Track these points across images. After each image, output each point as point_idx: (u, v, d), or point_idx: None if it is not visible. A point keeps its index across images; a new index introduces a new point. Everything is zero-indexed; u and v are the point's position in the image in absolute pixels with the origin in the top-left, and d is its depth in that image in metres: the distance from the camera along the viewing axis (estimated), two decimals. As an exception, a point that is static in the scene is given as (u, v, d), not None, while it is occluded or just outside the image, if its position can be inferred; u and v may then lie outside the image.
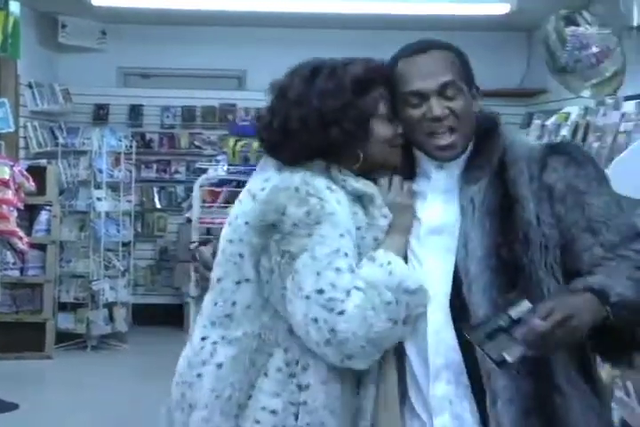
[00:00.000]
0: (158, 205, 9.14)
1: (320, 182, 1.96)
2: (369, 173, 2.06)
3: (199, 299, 6.52)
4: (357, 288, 1.90)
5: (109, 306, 8.04)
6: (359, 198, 2.02)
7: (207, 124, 9.12)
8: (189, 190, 8.87)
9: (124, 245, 8.32)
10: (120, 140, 8.25)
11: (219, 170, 5.41)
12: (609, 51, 6.65)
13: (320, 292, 1.88)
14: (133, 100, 9.10)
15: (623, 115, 4.83)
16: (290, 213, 1.92)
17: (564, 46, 6.75)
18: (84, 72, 8.80)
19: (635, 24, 6.49)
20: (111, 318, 8.05)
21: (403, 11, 7.20)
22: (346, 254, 1.91)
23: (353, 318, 1.87)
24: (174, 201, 9.15)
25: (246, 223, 1.97)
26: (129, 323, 8.23)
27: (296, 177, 1.97)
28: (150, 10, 7.87)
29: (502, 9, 6.98)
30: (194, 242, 4.71)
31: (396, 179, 2.06)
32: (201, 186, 5.65)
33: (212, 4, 7.53)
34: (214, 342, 1.99)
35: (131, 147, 8.43)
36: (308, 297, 1.88)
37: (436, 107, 1.96)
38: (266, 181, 2.00)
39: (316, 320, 1.88)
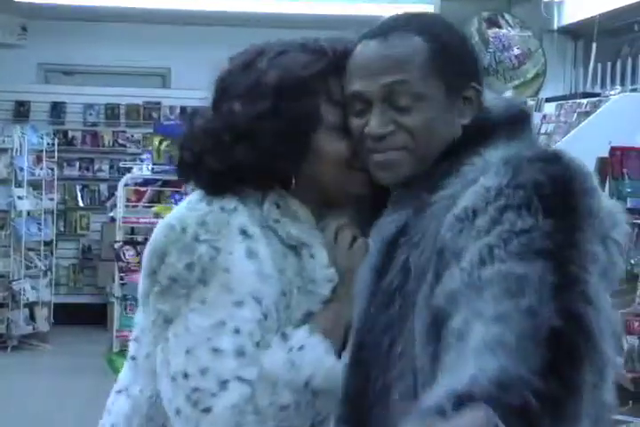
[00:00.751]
0: (81, 204, 9.04)
1: (233, 222, 1.42)
2: (335, 206, 1.52)
3: (123, 299, 6.47)
4: (241, 380, 1.35)
5: (30, 306, 7.92)
6: (295, 250, 1.46)
7: (131, 123, 9.04)
8: (113, 189, 8.76)
9: (46, 244, 8.21)
10: (42, 138, 8.13)
11: (143, 169, 5.36)
12: (530, 53, 6.78)
13: (185, 376, 1.37)
14: (55, 98, 8.97)
15: (544, 116, 4.92)
16: (168, 262, 1.42)
17: (487, 48, 6.86)
18: (3, 68, 8.65)
19: (555, 27, 6.63)
20: (32, 318, 7.93)
21: (316, 11, 7.23)
22: (236, 331, 1.36)
23: (220, 421, 1.34)
24: (97, 199, 9.06)
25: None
26: (50, 323, 8.12)
27: (196, 211, 1.44)
28: (73, 6, 7.78)
29: (424, 10, 7.05)
30: (118, 241, 4.66)
31: (345, 232, 1.48)
32: (125, 185, 5.61)
33: (135, 1, 7.47)
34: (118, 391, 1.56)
35: (53, 144, 8.31)
36: (173, 378, 1.38)
37: (376, 120, 1.37)
38: (177, 208, 1.52)
39: (178, 412, 1.38)
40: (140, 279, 1.50)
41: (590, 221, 1.20)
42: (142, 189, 5.64)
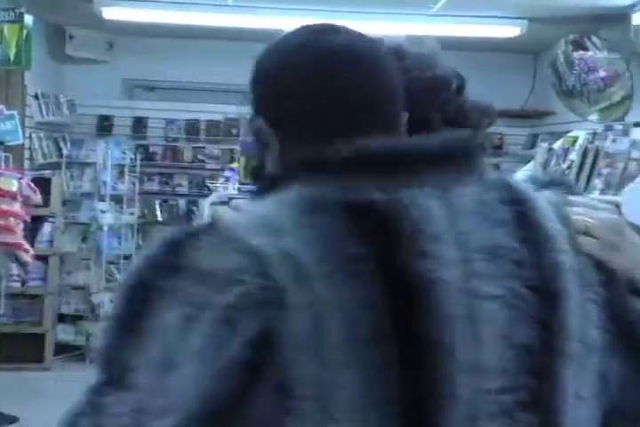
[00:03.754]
0: (160, 218, 9.14)
1: None
2: None
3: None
4: None
5: (109, 319, 8.01)
6: None
7: (211, 139, 9.13)
8: (191, 204, 8.83)
9: (126, 257, 8.32)
10: (124, 153, 8.25)
11: (229, 188, 5.42)
12: (617, 75, 6.69)
13: None
14: (138, 113, 9.11)
15: (633, 142, 4.85)
16: None
17: (572, 70, 6.79)
18: (89, 84, 8.82)
19: (644, 50, 6.54)
20: (110, 331, 8.02)
21: (413, 31, 7.23)
22: None
23: None
24: (176, 214, 9.16)
25: None
26: (128, 336, 8.20)
27: None
28: (158, 24, 7.90)
29: (512, 32, 7.02)
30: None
31: None
32: (212, 203, 5.66)
33: (220, 19, 7.55)
34: None
35: (135, 159, 8.43)
36: None
37: None
38: None
39: None
40: None
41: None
42: (226, 207, 5.68)
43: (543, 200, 1.15)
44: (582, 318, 1.11)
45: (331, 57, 1.13)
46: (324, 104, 1.13)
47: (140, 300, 1.03)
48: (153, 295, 1.02)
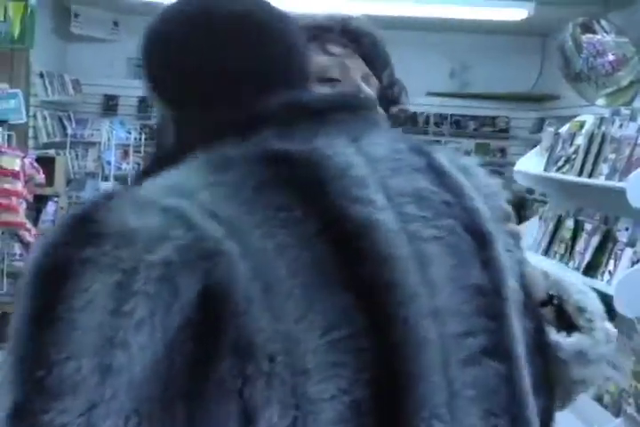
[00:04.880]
0: (163, 198, 9.12)
1: None
2: None
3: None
4: None
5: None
6: None
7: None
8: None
9: (129, 237, 8.31)
10: (129, 133, 8.23)
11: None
12: (625, 59, 6.63)
13: None
14: (143, 92, 9.04)
15: (640, 127, 4.81)
16: None
17: (580, 53, 6.74)
18: (94, 63, 8.78)
19: (653, 34, 6.48)
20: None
21: (421, 13, 7.19)
22: None
23: None
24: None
25: None
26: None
27: None
28: (164, 2, 7.84)
29: (520, 14, 6.96)
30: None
31: None
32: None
33: None
34: None
35: (139, 139, 8.41)
36: None
37: None
38: None
39: None
40: None
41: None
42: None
43: (441, 153, 1.12)
44: (508, 265, 1.08)
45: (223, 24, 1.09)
46: (214, 70, 1.08)
47: (53, 284, 0.89)
48: (69, 272, 0.89)
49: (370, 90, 1.46)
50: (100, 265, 0.89)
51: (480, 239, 1.05)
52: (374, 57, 1.50)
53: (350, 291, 0.93)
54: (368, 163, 1.03)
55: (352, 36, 1.49)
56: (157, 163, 1.06)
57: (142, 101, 9.05)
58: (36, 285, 0.91)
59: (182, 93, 1.10)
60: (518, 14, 6.98)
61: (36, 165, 6.08)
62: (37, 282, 0.91)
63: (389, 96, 1.54)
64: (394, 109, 1.56)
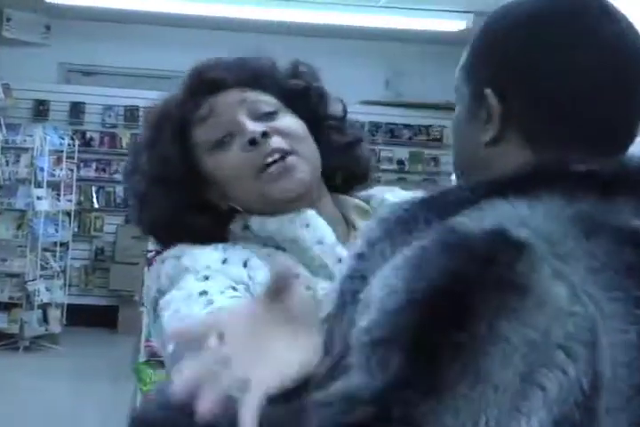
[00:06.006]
0: (96, 205, 9.00)
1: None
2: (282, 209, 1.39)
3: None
4: None
5: (44, 307, 7.88)
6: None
7: (150, 125, 9.00)
8: (129, 191, 8.73)
9: (62, 244, 8.18)
10: (62, 139, 8.10)
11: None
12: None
13: None
14: (75, 98, 8.95)
15: None
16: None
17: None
18: (25, 67, 8.62)
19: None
20: (45, 319, 7.90)
21: (358, 22, 7.23)
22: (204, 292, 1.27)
23: None
24: (113, 201, 9.03)
25: None
26: (63, 324, 8.08)
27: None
28: (97, 7, 7.75)
29: (457, 26, 7.04)
30: (150, 251, 4.64)
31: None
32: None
33: (160, 5, 7.44)
34: None
35: (72, 145, 8.29)
36: None
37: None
38: None
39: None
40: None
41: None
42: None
43: None
44: None
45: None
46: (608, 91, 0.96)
47: (452, 323, 0.82)
48: (474, 319, 0.81)
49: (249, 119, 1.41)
50: (512, 322, 0.82)
51: None
52: (253, 76, 1.48)
53: None
54: None
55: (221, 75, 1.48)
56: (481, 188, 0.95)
57: (74, 107, 8.93)
58: (428, 318, 0.83)
59: (550, 122, 0.99)
60: (456, 25, 7.06)
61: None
62: (429, 315, 0.83)
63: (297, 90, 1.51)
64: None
